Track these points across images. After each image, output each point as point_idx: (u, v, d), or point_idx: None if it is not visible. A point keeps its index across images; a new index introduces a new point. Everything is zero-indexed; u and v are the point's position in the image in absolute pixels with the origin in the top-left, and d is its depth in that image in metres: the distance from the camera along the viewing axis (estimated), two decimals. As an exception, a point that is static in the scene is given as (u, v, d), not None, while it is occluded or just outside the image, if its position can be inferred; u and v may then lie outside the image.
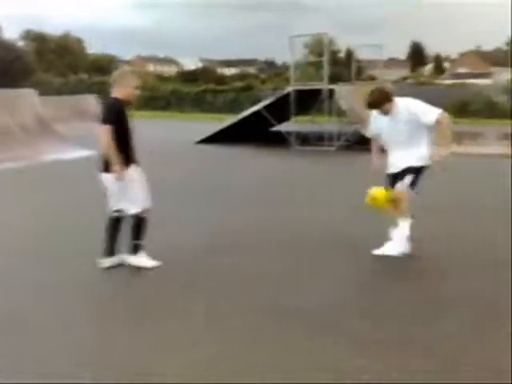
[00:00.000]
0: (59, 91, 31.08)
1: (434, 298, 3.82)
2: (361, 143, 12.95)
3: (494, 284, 4.06)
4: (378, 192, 4.65)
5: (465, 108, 21.83)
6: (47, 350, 3.12)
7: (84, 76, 41.89)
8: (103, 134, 4.12)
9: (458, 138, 14.37)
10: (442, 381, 2.73)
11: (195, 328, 3.38)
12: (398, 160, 4.53)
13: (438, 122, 4.26)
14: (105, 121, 4.15)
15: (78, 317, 3.58)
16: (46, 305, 3.79)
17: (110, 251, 4.44)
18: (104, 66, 54.12)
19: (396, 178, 4.56)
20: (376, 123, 4.63)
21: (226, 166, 10.87)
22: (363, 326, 3.37)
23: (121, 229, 4.46)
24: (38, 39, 50.76)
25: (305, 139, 13.82)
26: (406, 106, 4.36)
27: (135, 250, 4.44)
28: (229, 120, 15.01)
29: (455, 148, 12.08)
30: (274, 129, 15.40)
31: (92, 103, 21.41)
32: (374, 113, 4.58)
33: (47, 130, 13.10)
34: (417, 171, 4.45)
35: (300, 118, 15.10)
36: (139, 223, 4.39)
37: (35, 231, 5.76)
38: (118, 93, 4.28)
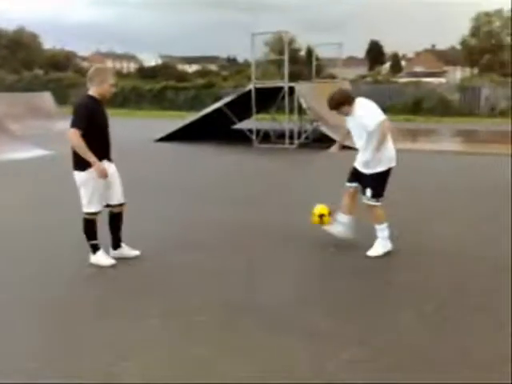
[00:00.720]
0: (12, 88, 29.99)
1: (390, 293, 3.93)
2: (320, 141, 13.16)
3: (460, 277, 4.21)
4: (320, 211, 4.87)
5: (419, 106, 22.47)
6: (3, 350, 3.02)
7: (39, 72, 40.55)
8: (72, 136, 4.06)
9: (413, 135, 14.83)
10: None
11: (155, 326, 3.35)
12: (360, 157, 4.64)
13: (378, 126, 4.34)
14: (73, 124, 4.09)
15: (40, 316, 3.49)
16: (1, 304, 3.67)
17: (115, 244, 4.60)
18: (61, 62, 52.65)
19: (358, 174, 4.66)
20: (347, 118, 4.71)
21: (185, 163, 10.78)
22: (322, 321, 3.42)
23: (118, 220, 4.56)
24: (-11, 34, 48.84)
25: (266, 137, 13.88)
26: (359, 108, 4.48)
27: (93, 249, 4.45)
28: (190, 117, 14.89)
29: (410, 145, 12.47)
30: (236, 126, 15.40)
31: (47, 100, 20.79)
32: None
33: (-1, 129, 12.60)
34: (377, 178, 4.51)
35: (261, 115, 15.15)
36: (85, 226, 4.39)
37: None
38: (93, 91, 4.22)
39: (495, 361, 2.92)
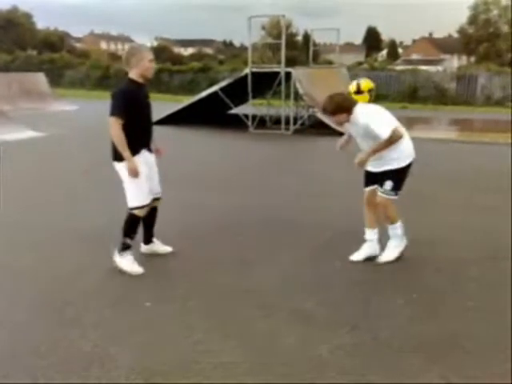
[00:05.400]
0: (6, 68, 29.62)
1: (381, 279, 3.96)
2: (316, 127, 13.12)
3: (453, 265, 4.24)
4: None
5: (415, 94, 22.42)
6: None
7: (32, 52, 40.04)
8: (111, 126, 3.74)
9: (409, 122, 14.77)
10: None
11: (151, 310, 3.36)
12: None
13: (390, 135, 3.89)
14: (113, 112, 3.75)
15: (34, 298, 3.49)
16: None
17: (147, 239, 4.34)
18: (54, 43, 52.04)
19: (372, 175, 4.22)
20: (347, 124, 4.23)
21: (178, 148, 10.67)
22: (315, 306, 3.44)
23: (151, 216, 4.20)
24: (-18, 13, 48.11)
25: (261, 122, 13.81)
26: (364, 117, 3.96)
27: (122, 248, 3.99)
28: (185, 101, 14.76)
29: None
30: (231, 111, 15.29)
31: (41, 81, 20.52)
32: None
33: (-9, 109, 12.44)
34: (398, 173, 4.11)
35: (257, 101, 15.05)
36: (127, 219, 3.99)
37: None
38: (133, 73, 3.84)
39: (485, 346, 2.95)
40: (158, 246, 4.41)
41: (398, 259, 4.23)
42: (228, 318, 3.29)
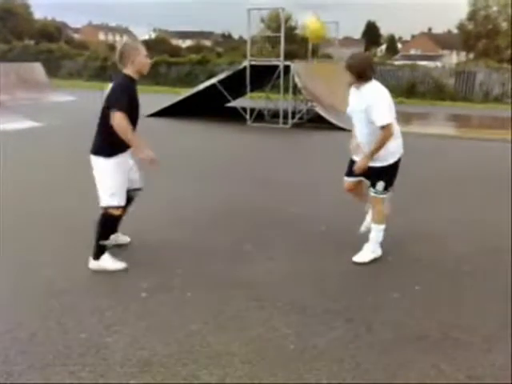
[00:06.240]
0: (3, 58, 29.44)
1: (378, 272, 3.97)
2: (315, 121, 13.10)
3: (449, 260, 4.26)
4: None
5: (414, 89, 22.40)
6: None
7: (30, 42, 39.79)
8: (118, 119, 3.54)
9: (407, 117, 14.82)
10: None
11: (146, 301, 3.37)
12: (361, 146, 4.08)
13: (382, 128, 3.78)
14: (117, 106, 3.55)
15: (29, 290, 3.49)
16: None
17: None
18: (52, 33, 51.81)
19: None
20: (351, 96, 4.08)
21: (175, 140, 10.67)
22: (311, 299, 3.46)
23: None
24: (-21, 2, 47.78)
25: (259, 116, 13.78)
26: (372, 93, 3.83)
27: (97, 252, 3.84)
28: (183, 94, 14.70)
29: (403, 128, 12.44)
30: (229, 104, 15.24)
31: (38, 71, 20.38)
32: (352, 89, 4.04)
33: (-12, 99, 12.37)
34: (388, 171, 4.02)
35: (256, 94, 15.00)
36: (103, 221, 3.82)
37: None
38: (129, 70, 3.70)
39: (478, 340, 2.98)
40: (118, 237, 4.24)
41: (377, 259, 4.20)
42: (224, 310, 3.29)
